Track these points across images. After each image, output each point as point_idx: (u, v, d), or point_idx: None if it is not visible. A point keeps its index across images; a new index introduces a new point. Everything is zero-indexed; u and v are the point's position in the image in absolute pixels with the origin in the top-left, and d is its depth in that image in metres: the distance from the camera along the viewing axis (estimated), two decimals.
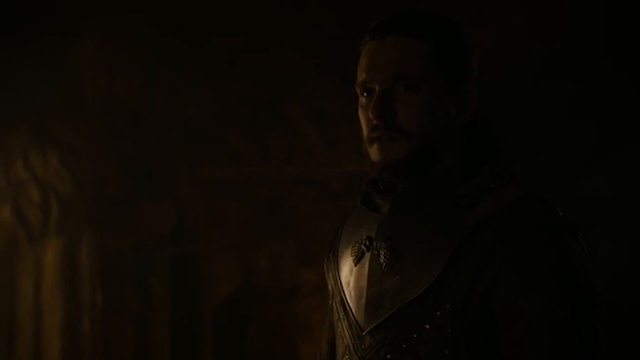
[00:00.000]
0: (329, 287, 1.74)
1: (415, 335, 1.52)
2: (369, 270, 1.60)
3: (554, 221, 1.55)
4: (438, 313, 1.51)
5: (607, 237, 3.77)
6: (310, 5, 4.24)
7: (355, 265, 1.63)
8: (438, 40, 1.59)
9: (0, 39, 4.00)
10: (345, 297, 1.64)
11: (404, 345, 1.53)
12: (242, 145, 4.54)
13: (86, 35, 4.11)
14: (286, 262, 4.57)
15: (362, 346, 1.59)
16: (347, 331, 1.62)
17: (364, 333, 1.59)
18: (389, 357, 1.55)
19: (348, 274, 1.65)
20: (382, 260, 1.58)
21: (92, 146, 4.09)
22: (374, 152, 1.60)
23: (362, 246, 1.62)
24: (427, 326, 1.52)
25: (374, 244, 1.60)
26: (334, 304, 1.70)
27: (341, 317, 1.65)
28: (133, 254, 4.08)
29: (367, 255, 1.61)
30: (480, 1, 4.11)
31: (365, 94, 1.62)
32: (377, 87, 1.59)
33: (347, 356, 1.62)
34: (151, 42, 4.18)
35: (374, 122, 1.58)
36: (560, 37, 4.03)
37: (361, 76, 1.61)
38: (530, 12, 4.11)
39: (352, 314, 1.62)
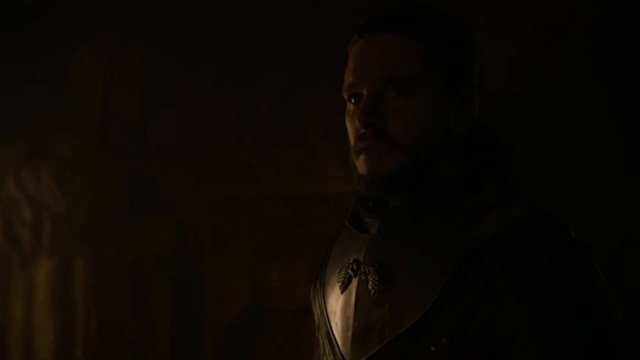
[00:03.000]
0: (315, 317, 1.58)
1: None
2: (356, 298, 1.44)
3: (565, 242, 1.38)
4: (433, 348, 1.35)
5: (634, 258, 3.63)
6: (324, 18, 4.16)
7: (342, 292, 1.47)
8: (435, 38, 1.44)
9: None
10: (331, 329, 1.49)
11: None
12: (252, 160, 4.45)
13: (85, 44, 4.02)
14: (297, 283, 4.46)
15: None
16: None
17: None
18: None
19: (334, 302, 1.49)
20: (370, 287, 1.42)
21: (88, 161, 4.01)
22: (360, 163, 1.45)
23: (349, 271, 1.47)
24: None
25: (362, 268, 1.45)
26: (319, 336, 1.54)
27: (327, 351, 1.50)
28: (130, 274, 3.98)
29: (355, 282, 1.46)
30: (498, 11, 4.00)
31: (352, 99, 1.47)
32: (365, 92, 1.44)
33: None
34: (155, 51, 4.10)
35: (362, 130, 1.43)
36: (584, 48, 3.92)
37: (348, 79, 1.47)
38: (550, 22, 4.00)
39: (338, 348, 1.46)
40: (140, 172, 4.08)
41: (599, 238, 3.42)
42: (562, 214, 1.47)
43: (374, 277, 1.42)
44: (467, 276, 1.35)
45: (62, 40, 3.95)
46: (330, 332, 1.49)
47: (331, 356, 1.48)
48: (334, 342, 1.47)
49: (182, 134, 4.20)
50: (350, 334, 1.44)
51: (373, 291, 1.41)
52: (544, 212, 1.42)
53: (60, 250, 3.94)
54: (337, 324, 1.47)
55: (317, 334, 1.58)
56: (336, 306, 1.48)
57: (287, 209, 4.36)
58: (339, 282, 1.48)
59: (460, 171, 1.45)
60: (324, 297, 1.53)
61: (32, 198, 3.94)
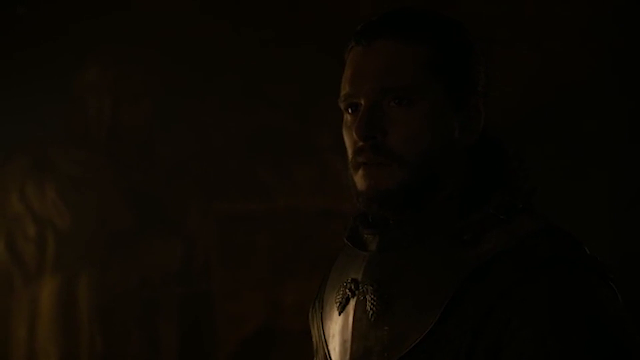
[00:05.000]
0: (313, 341, 1.53)
1: None
2: (354, 320, 1.38)
3: (576, 260, 1.31)
4: None
5: None
6: (341, 31, 4.12)
7: (340, 314, 1.41)
8: (437, 44, 1.38)
9: (0, 64, 3.93)
10: (329, 353, 1.43)
11: None
12: (266, 176, 4.42)
13: (92, 60, 4.01)
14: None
15: None
16: None
17: None
18: None
19: (332, 325, 1.43)
20: (368, 308, 1.36)
21: (94, 176, 3.99)
22: (359, 179, 1.39)
23: (347, 291, 1.41)
24: None
25: (360, 288, 1.39)
26: None
27: None
28: (137, 293, 3.96)
29: (352, 302, 1.40)
30: (518, 22, 3.96)
31: (350, 110, 1.41)
32: (362, 102, 1.38)
33: None
34: (164, 65, 4.08)
35: (359, 143, 1.37)
36: (606, 59, 3.87)
37: (345, 89, 1.41)
38: (571, 33, 3.96)
39: None
40: (148, 188, 4.06)
41: (623, 254, 3.37)
42: (585, 227, 1.41)
43: (372, 297, 1.36)
44: (471, 297, 1.29)
45: (68, 54, 3.94)
46: (328, 357, 1.43)
47: None
48: None
49: (191, 149, 4.17)
50: (347, 358, 1.38)
51: (371, 312, 1.35)
52: (555, 228, 1.35)
53: (65, 268, 3.92)
54: (334, 348, 1.42)
55: (315, 359, 1.52)
56: (334, 329, 1.43)
57: (302, 225, 4.33)
58: (336, 303, 1.42)
59: (465, 185, 1.39)
60: (322, 320, 1.48)
61: (36, 214, 3.92)
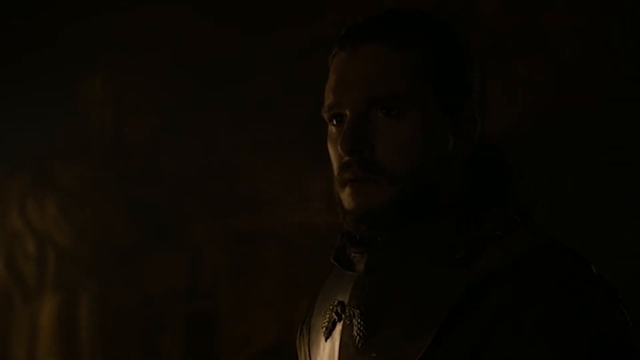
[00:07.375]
0: None
1: None
2: (340, 346, 1.31)
3: (581, 278, 1.23)
4: None
5: None
6: None
7: (326, 340, 1.34)
8: (428, 48, 1.29)
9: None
10: None
11: None
12: (276, 191, 4.38)
13: (94, 72, 3.98)
14: None
15: None
16: None
17: None
18: None
19: (319, 351, 1.36)
20: (355, 333, 1.29)
21: (96, 191, 3.96)
22: (346, 197, 1.31)
23: (333, 314, 1.34)
24: None
25: (347, 311, 1.31)
26: None
27: None
28: (140, 311, 3.91)
29: (339, 327, 1.32)
30: (531, 32, 3.91)
31: (334, 121, 1.33)
32: (348, 113, 1.30)
33: None
34: (170, 77, 4.05)
35: (345, 158, 1.30)
36: (622, 70, 3.81)
37: (328, 98, 1.33)
38: (592, 46, 3.90)
39: None
40: (153, 202, 4.02)
41: (633, 273, 3.29)
42: (594, 244, 1.32)
43: (359, 321, 1.28)
44: (465, 320, 1.21)
45: (70, 66, 3.93)
46: None
47: None
48: None
49: (198, 162, 4.14)
50: None
51: (358, 338, 1.28)
52: (557, 244, 1.27)
53: (66, 286, 3.90)
54: None
55: None
56: (321, 356, 1.36)
57: (313, 240, 4.28)
58: (322, 328, 1.35)
59: (461, 200, 1.31)
60: (309, 346, 1.40)
61: (36, 231, 3.90)
